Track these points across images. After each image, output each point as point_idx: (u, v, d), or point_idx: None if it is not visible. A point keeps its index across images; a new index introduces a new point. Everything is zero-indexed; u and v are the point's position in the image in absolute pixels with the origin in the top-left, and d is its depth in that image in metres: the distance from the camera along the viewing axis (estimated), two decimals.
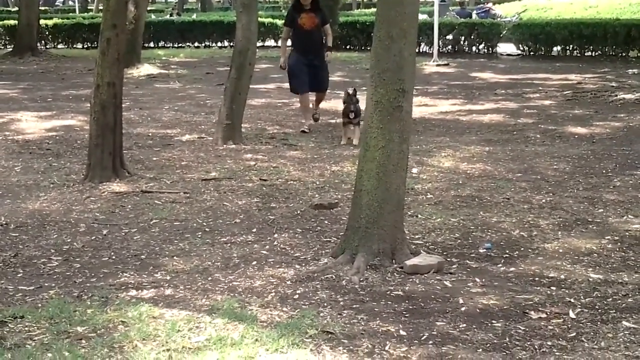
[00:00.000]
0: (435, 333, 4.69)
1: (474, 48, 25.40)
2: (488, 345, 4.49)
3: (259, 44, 15.07)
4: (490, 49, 25.25)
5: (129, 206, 7.55)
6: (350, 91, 10.51)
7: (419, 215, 7.23)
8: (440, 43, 23.98)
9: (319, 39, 11.76)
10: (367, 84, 5.97)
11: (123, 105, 8.95)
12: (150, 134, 11.53)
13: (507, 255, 6.17)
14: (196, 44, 28.59)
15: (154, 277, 5.64)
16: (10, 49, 25.74)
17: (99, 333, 4.59)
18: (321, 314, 4.94)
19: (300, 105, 12.24)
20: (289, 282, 5.55)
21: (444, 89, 17.15)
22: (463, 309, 5.07)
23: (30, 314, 4.86)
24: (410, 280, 5.60)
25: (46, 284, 5.51)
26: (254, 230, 6.84)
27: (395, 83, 5.80)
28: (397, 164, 5.92)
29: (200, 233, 6.75)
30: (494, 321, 4.85)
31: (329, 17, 12.21)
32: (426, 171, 9.06)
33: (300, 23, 11.50)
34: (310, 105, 12.04)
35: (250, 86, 11.24)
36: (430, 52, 23.29)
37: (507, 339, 4.58)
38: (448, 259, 6.02)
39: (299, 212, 7.41)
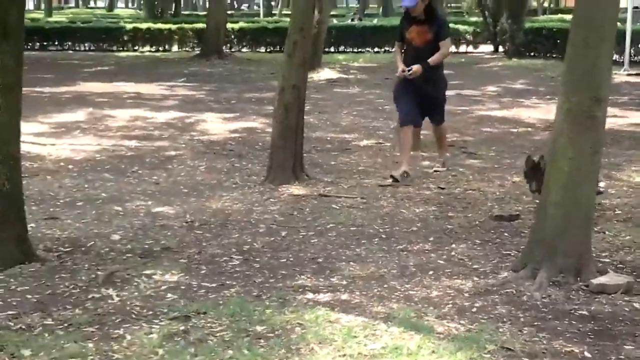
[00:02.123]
0: (622, 357, 4.42)
1: None
2: None
3: None
4: None
5: (307, 209, 7.64)
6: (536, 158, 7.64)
7: (607, 232, 6.87)
8: (633, 51, 22.84)
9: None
10: (558, 92, 5.74)
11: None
12: (328, 138, 11.65)
13: None
14: (376, 49, 28.74)
15: (330, 281, 5.65)
16: (198, 52, 26.81)
17: (277, 334, 4.64)
18: (500, 330, 4.78)
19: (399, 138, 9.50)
20: (466, 295, 5.41)
21: (635, 100, 16.34)
22: None
23: (213, 311, 4.98)
24: (596, 299, 5.32)
25: (227, 282, 5.64)
26: (431, 239, 6.74)
27: (589, 90, 5.52)
28: (587, 176, 5.65)
29: (376, 239, 6.72)
30: None
31: (448, 32, 9.34)
32: (615, 185, 8.62)
33: (409, 38, 9.00)
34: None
35: None
36: (621, 60, 22.23)
37: None
38: (638, 280, 5.67)
39: (477, 222, 7.24)
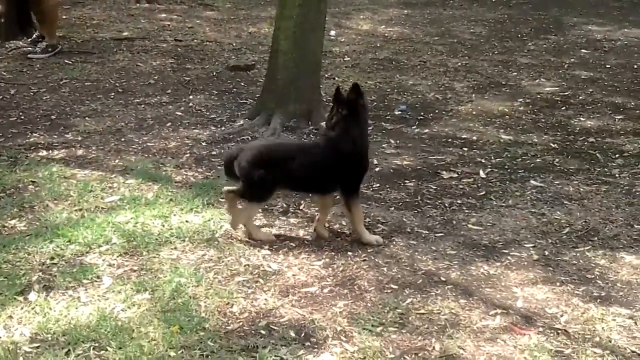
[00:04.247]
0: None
1: None
2: (400, 203, 4.57)
3: None
4: None
5: (38, 65, 7.29)
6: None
7: (336, 78, 7.19)
8: None
9: None
10: None
11: None
12: None
13: (421, 117, 6.23)
14: None
15: (65, 138, 5.51)
16: None
17: (8, 193, 4.49)
18: None
19: None
20: (204, 144, 5.50)
21: None
22: (377, 169, 5.13)
23: None
24: None
25: None
26: (169, 91, 6.72)
27: None
28: (314, 24, 5.81)
29: (113, 94, 6.59)
30: (406, 181, 4.93)
31: None
32: (344, 34, 8.97)
33: None
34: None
35: None
36: None
37: (419, 197, 4.67)
38: None
39: (214, 73, 7.29)
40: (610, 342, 3.18)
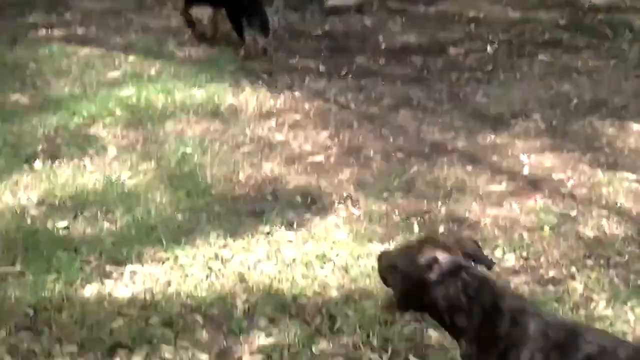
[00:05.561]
0: (354, 68, 4.67)
1: None
2: (407, 78, 4.51)
3: None
4: None
5: None
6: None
7: None
8: None
9: None
10: None
11: None
12: None
13: None
14: None
15: (64, 18, 5.42)
16: None
17: (9, 69, 4.42)
18: (241, 53, 4.85)
19: None
20: (206, 22, 5.38)
21: None
22: (383, 46, 5.06)
23: None
24: (330, 19, 5.52)
25: None
26: None
27: None
28: None
29: None
30: (413, 56, 4.85)
31: None
32: None
33: None
34: None
35: None
36: None
37: (426, 72, 4.62)
38: None
39: None
40: (616, 204, 3.17)
